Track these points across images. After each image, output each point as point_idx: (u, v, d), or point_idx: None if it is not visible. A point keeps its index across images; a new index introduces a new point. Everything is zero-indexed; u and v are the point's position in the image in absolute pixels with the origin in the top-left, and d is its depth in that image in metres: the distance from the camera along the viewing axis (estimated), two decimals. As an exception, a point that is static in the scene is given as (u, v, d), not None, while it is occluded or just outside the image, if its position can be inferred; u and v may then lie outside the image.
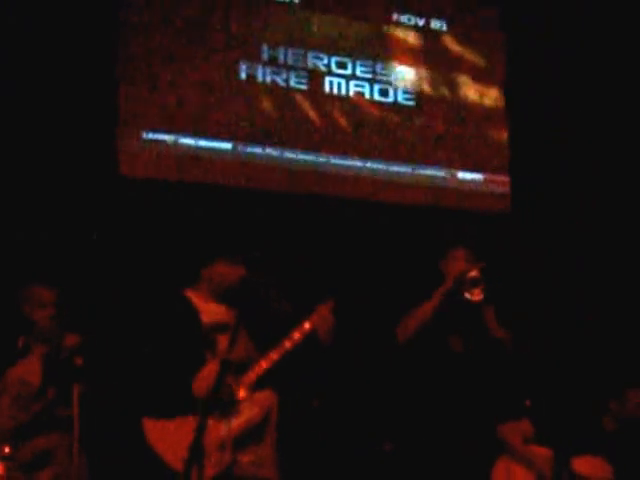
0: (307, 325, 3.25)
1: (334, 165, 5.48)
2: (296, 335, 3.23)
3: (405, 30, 5.78)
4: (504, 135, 5.90)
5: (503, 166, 5.86)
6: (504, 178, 5.84)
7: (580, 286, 5.62)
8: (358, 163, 5.54)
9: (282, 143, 5.33)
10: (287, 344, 3.21)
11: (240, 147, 5.20)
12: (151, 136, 5.00)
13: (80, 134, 4.70)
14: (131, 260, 4.65)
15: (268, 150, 5.29)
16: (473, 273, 3.84)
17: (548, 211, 5.86)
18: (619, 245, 5.76)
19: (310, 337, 3.25)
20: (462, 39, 5.90)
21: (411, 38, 5.80)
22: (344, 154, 5.50)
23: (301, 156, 5.39)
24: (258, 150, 5.26)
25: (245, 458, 3.14)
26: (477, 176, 5.79)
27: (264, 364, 3.19)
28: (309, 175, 5.41)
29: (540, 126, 5.91)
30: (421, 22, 5.81)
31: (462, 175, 5.77)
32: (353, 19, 5.66)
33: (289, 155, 5.36)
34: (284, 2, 5.53)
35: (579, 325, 5.40)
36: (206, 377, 3.04)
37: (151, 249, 4.67)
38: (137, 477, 3.88)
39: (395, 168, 5.62)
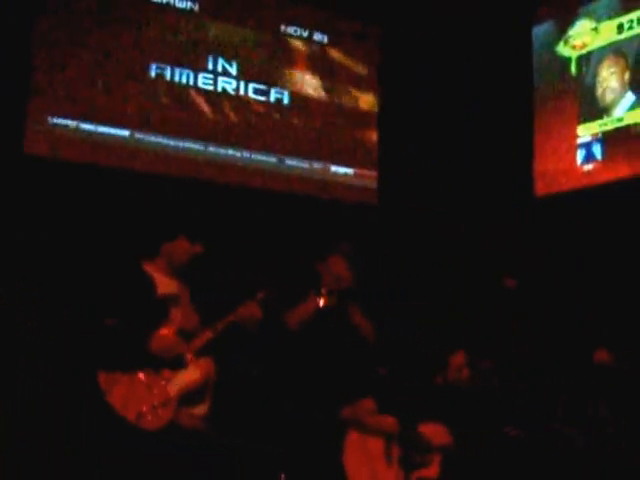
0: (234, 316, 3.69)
1: (223, 155, 6.13)
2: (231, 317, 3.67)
3: (292, 40, 6.54)
4: (374, 135, 6.69)
5: (372, 162, 6.62)
6: (372, 173, 6.61)
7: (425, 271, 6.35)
8: (246, 154, 6.21)
9: (177, 133, 5.95)
10: (231, 318, 3.65)
11: (136, 134, 5.80)
12: (56, 121, 5.55)
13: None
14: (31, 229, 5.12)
15: (162, 139, 5.89)
16: (325, 289, 4.15)
17: (411, 205, 6.60)
18: (465, 234, 6.55)
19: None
20: (342, 51, 6.67)
21: (297, 47, 6.56)
22: (233, 145, 6.16)
23: (193, 145, 6.01)
24: (152, 138, 5.86)
25: (186, 414, 3.53)
26: (348, 170, 6.55)
27: (209, 333, 3.60)
28: (197, 162, 6.03)
29: (407, 129, 6.69)
30: (305, 34, 6.56)
31: (335, 169, 6.52)
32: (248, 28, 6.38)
33: (183, 144, 5.97)
34: (185, 9, 6.20)
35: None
36: (166, 337, 3.46)
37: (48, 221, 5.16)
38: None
39: (275, 160, 6.32)
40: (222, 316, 3.65)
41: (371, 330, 4.24)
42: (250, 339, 3.93)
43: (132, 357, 3.43)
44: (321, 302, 4.13)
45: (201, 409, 3.61)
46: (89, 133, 5.64)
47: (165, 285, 3.62)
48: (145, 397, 3.41)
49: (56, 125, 5.56)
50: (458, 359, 4.57)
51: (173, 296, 3.61)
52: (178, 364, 3.50)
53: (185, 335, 3.54)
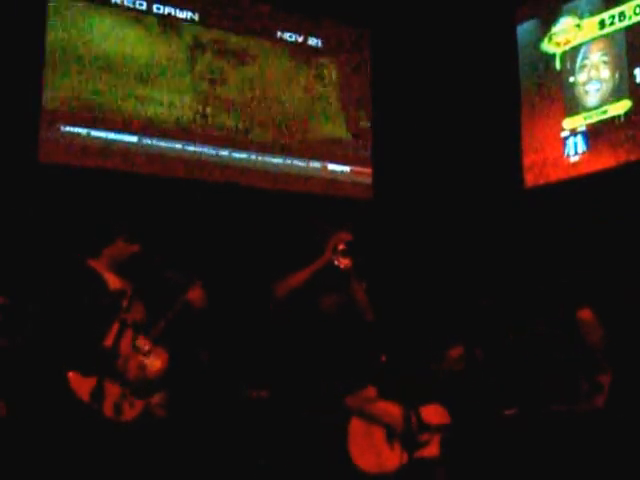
0: (184, 299, 3.93)
1: (227, 157, 6.43)
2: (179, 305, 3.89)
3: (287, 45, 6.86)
4: (369, 134, 7.01)
5: (367, 160, 6.92)
6: (367, 170, 6.91)
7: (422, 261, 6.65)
8: (252, 156, 6.54)
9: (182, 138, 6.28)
10: (177, 307, 3.87)
11: (144, 140, 6.12)
12: (68, 129, 5.84)
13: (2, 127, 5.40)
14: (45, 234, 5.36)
15: (169, 143, 6.20)
16: (342, 246, 4.16)
17: (405, 200, 6.89)
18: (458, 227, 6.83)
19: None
20: (335, 54, 6.99)
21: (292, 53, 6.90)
22: (236, 148, 6.47)
23: (198, 149, 6.33)
24: (159, 143, 6.17)
25: (154, 402, 3.77)
26: (344, 168, 6.86)
27: (163, 323, 3.82)
28: (205, 165, 6.34)
29: (399, 129, 7.00)
30: (300, 39, 6.86)
31: (332, 167, 6.82)
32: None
33: (189, 148, 6.29)
34: (185, 18, 6.53)
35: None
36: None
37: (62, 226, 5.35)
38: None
39: (278, 160, 6.63)
40: (171, 304, 3.84)
41: (371, 309, 4.24)
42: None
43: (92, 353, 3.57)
44: (342, 263, 4.16)
45: (158, 397, 3.81)
46: (99, 140, 5.93)
47: (113, 281, 3.83)
48: (117, 390, 3.58)
49: (68, 133, 5.85)
50: (456, 352, 4.76)
51: (122, 291, 3.79)
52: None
53: (137, 327, 3.73)
